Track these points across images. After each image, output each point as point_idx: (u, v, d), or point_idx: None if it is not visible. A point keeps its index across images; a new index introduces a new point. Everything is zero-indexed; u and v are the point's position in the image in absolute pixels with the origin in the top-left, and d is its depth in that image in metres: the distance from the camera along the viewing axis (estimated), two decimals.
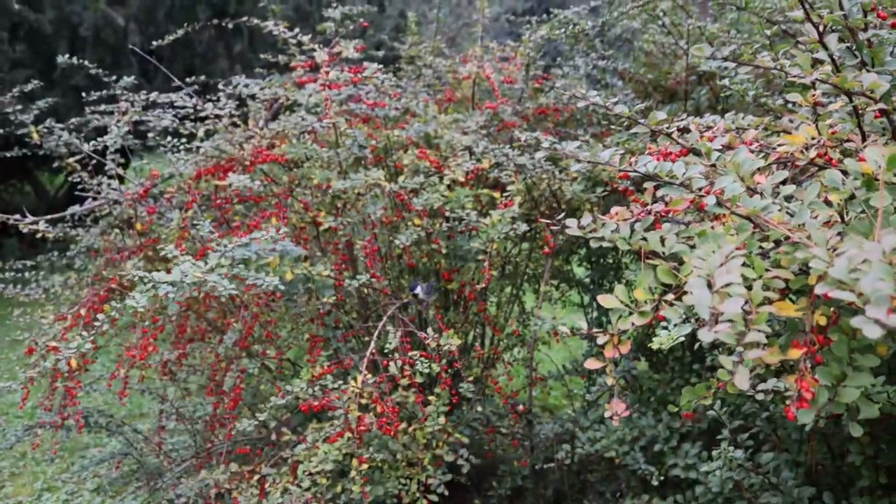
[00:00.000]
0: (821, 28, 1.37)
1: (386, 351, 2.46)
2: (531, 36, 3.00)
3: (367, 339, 2.79)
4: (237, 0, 8.45)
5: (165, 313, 2.84)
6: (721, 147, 1.37)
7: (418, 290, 2.62)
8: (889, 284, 0.96)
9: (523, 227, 2.47)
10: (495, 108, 2.95)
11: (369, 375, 2.43)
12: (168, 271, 2.05)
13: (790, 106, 2.00)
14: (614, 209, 1.36)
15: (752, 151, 1.47)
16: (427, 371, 2.40)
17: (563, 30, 3.02)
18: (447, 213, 2.65)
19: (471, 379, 2.58)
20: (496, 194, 2.73)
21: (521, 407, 2.88)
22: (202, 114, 2.82)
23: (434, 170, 2.82)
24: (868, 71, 1.42)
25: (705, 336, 1.02)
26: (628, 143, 2.67)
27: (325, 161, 2.77)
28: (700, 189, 1.27)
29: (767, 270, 1.20)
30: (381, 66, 2.80)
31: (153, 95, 2.90)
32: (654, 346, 1.30)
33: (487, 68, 2.96)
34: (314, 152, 2.68)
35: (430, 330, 2.49)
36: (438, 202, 2.61)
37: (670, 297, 1.22)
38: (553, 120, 3.13)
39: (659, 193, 1.32)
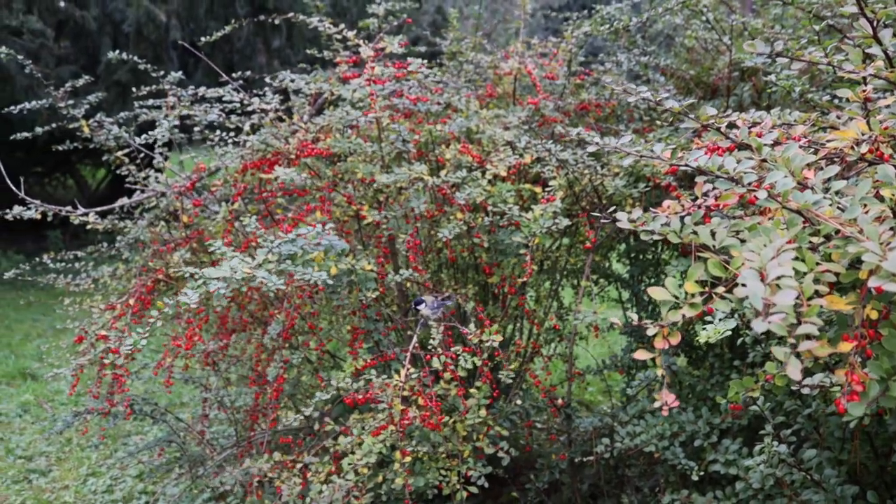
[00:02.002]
0: (875, 23, 1.37)
1: (429, 346, 2.49)
2: (573, 32, 3.01)
3: (408, 332, 2.82)
4: None
5: (210, 304, 2.90)
6: (771, 142, 1.38)
7: (422, 306, 2.60)
8: None
9: (565, 221, 2.48)
10: (537, 104, 2.96)
11: (412, 369, 2.47)
12: (214, 265, 2.10)
13: (837, 102, 2.00)
14: (666, 202, 1.37)
15: (801, 147, 1.48)
16: (469, 367, 2.43)
17: (605, 26, 3.03)
18: (489, 208, 2.67)
19: (511, 369, 2.60)
20: (538, 189, 2.75)
21: (560, 401, 2.89)
22: (248, 108, 2.87)
23: (476, 164, 2.84)
24: None
25: (759, 326, 1.04)
26: (671, 139, 2.67)
27: (369, 155, 2.81)
28: (750, 184, 1.28)
29: (818, 264, 1.21)
30: (424, 61, 2.83)
31: (200, 90, 2.96)
32: (702, 339, 1.31)
33: (529, 64, 2.97)
34: (358, 146, 2.71)
35: (471, 325, 2.52)
36: (480, 197, 2.63)
37: (720, 290, 1.23)
38: (594, 115, 3.14)
39: (708, 189, 1.33)
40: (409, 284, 2.86)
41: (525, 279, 2.64)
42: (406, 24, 3.61)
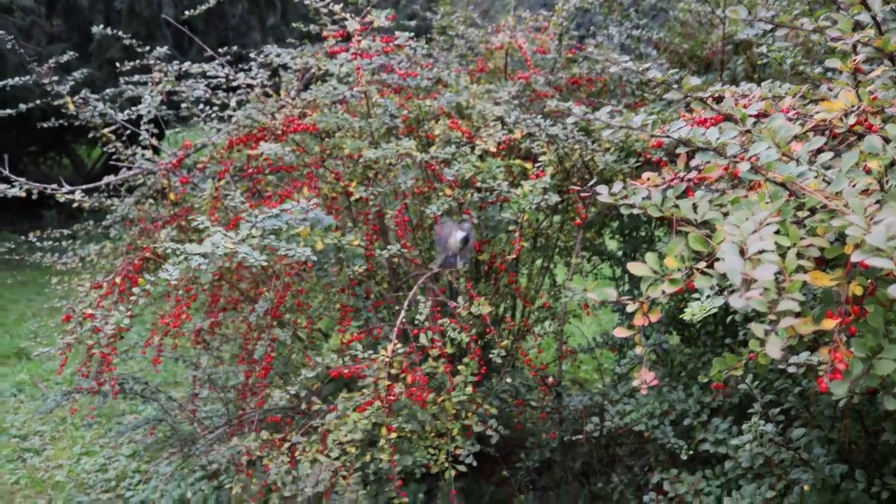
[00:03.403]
0: None
1: (416, 321, 2.46)
2: (564, 5, 2.96)
3: (397, 308, 2.80)
4: None
5: (199, 283, 2.87)
6: (756, 114, 1.34)
7: (453, 231, 2.52)
8: None
9: (555, 197, 2.45)
10: (528, 78, 2.91)
11: (399, 345, 2.44)
12: (200, 242, 2.07)
13: (829, 74, 1.95)
14: (646, 175, 1.34)
15: (789, 119, 1.44)
16: (457, 341, 2.41)
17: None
18: (478, 184, 2.63)
19: (502, 346, 2.57)
20: (528, 165, 2.71)
21: (550, 379, 2.87)
22: (234, 84, 2.82)
23: (466, 140, 2.80)
24: None
25: (736, 303, 1.01)
26: (662, 113, 2.63)
27: (357, 131, 2.77)
28: (734, 156, 1.24)
29: (802, 238, 1.17)
30: (412, 35, 2.78)
31: (186, 65, 2.91)
32: (686, 317, 1.28)
33: (520, 38, 2.92)
34: (346, 122, 2.67)
35: (460, 299, 2.49)
36: (470, 172, 2.59)
37: (702, 265, 1.20)
38: (586, 90, 3.09)
39: (692, 162, 1.29)
40: (396, 261, 2.83)
41: (514, 256, 2.61)
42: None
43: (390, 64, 2.97)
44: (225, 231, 2.06)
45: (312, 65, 2.87)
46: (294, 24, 3.76)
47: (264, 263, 2.05)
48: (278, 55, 2.84)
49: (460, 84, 2.95)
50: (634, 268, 1.25)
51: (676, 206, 1.27)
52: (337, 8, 2.72)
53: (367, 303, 2.86)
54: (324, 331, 3.51)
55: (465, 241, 2.52)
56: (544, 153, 2.59)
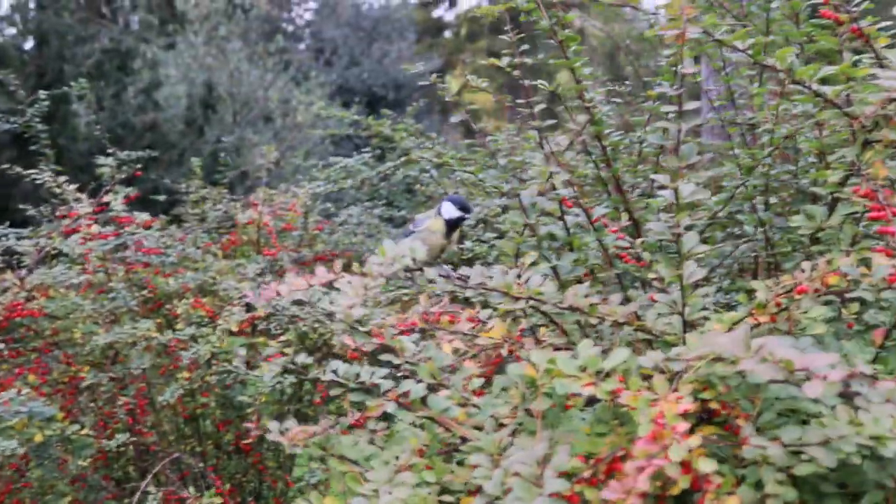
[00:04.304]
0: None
1: None
2: (308, 186, 3.09)
3: (126, 502, 2.66)
4: None
5: None
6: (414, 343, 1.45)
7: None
8: None
9: (290, 379, 2.47)
10: (274, 255, 2.98)
11: None
12: None
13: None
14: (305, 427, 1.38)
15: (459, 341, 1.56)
16: None
17: (345, 178, 3.13)
18: (218, 366, 2.61)
19: None
20: (274, 343, 2.72)
21: None
22: None
23: (209, 319, 2.79)
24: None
25: None
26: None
27: (90, 313, 2.68)
28: (386, 392, 1.32)
29: (452, 473, 1.26)
30: (152, 216, 2.79)
31: None
32: None
33: (266, 215, 3.00)
34: (75, 306, 2.59)
35: (191, 489, 2.41)
36: (208, 354, 2.57)
37: None
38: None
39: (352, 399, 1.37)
40: (130, 447, 2.71)
41: (251, 440, 2.58)
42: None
43: (140, 240, 2.94)
44: None
45: (46, 244, 2.78)
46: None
47: None
48: (6, 237, 2.73)
49: (207, 261, 2.96)
50: None
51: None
52: (70, 188, 2.68)
53: (101, 494, 2.69)
54: None
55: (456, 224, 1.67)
56: (282, 333, 2.63)
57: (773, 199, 1.86)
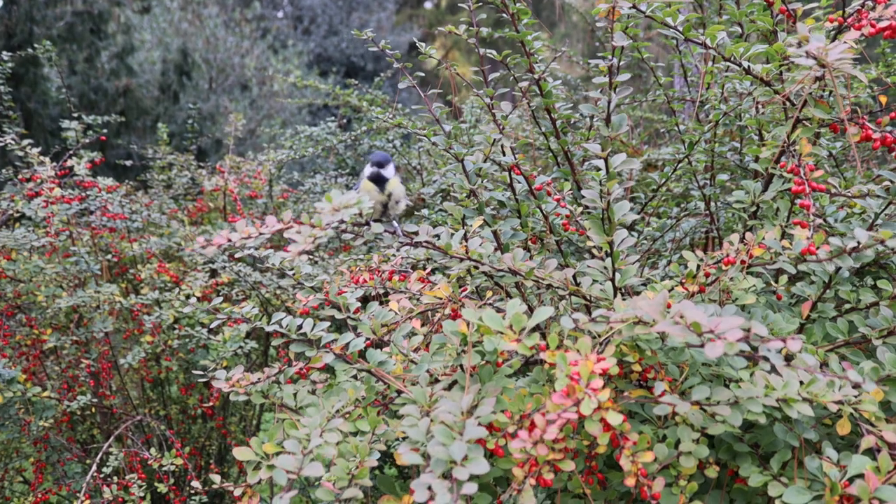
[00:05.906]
0: None
1: (104, 475, 2.39)
2: (272, 155, 3.11)
3: (88, 462, 2.70)
4: None
5: None
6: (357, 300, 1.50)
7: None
8: (444, 450, 1.08)
9: (251, 344, 2.51)
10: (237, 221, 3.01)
11: (87, 502, 2.35)
12: None
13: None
14: (248, 374, 1.43)
15: (408, 298, 1.62)
16: (160, 490, 2.36)
17: (310, 147, 3.15)
18: (181, 330, 2.65)
19: (204, 491, 2.55)
20: (238, 308, 2.76)
21: None
22: None
23: (173, 283, 2.82)
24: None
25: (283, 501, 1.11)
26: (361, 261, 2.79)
27: (53, 276, 2.71)
28: (325, 344, 1.38)
29: (387, 423, 1.31)
30: (123, 181, 2.80)
31: None
32: None
33: (231, 183, 3.02)
34: (37, 269, 2.61)
35: (153, 450, 2.46)
36: (171, 319, 2.61)
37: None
38: None
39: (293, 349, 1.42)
40: (93, 409, 2.75)
41: (212, 403, 2.63)
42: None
43: (105, 206, 2.96)
44: None
45: (8, 207, 2.79)
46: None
47: None
48: None
49: (172, 227, 2.99)
50: (239, 452, 1.33)
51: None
52: (34, 152, 2.69)
53: (64, 454, 2.73)
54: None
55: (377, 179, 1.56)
56: (246, 298, 2.67)
57: (724, 176, 1.92)
